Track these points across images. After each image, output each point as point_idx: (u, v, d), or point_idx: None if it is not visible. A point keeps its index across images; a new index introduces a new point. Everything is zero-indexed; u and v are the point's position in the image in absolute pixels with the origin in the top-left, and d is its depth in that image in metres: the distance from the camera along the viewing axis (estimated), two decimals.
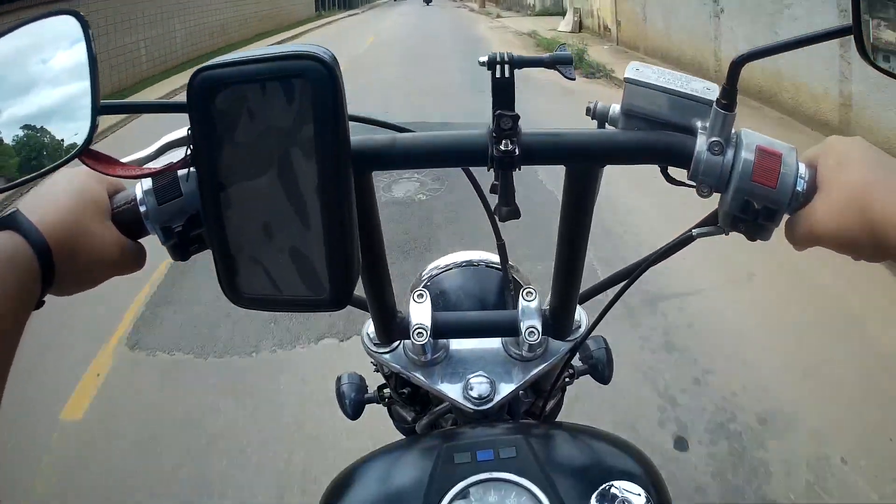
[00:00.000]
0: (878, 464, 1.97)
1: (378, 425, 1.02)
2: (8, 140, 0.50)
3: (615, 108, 0.57)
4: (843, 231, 0.48)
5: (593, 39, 11.38)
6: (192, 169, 0.48)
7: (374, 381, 0.96)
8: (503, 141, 0.52)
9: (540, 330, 0.70)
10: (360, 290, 0.59)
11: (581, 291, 0.71)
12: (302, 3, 25.83)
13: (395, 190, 4.29)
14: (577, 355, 0.79)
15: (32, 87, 0.52)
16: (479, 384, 0.71)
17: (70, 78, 0.51)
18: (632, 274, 0.65)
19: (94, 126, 0.48)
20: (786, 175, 0.51)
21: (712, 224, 0.57)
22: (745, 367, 2.43)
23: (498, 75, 0.52)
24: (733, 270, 3.05)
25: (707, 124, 0.53)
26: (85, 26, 0.50)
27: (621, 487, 0.56)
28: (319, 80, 0.43)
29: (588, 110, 0.58)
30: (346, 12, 30.60)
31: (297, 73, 0.43)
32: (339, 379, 0.96)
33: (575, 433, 0.68)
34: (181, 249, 0.55)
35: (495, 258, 0.86)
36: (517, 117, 0.52)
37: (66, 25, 0.52)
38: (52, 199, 0.50)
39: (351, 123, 0.47)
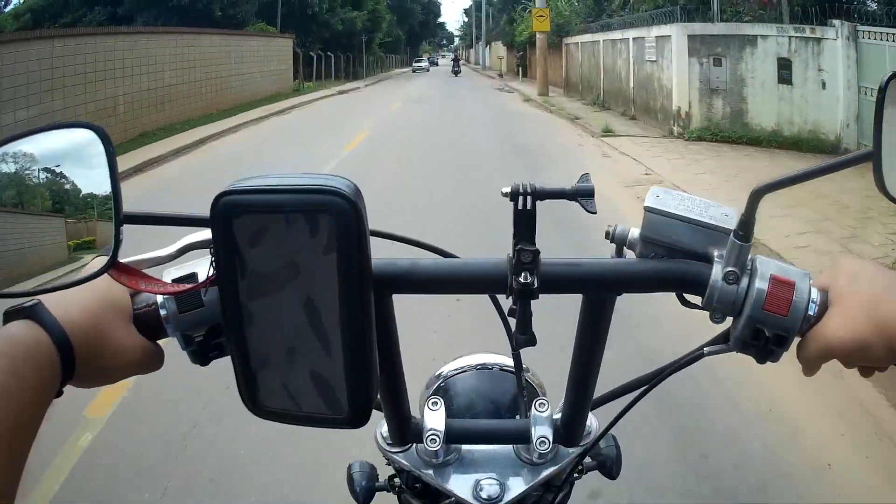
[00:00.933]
0: None
1: None
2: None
3: (634, 233, 0.59)
4: (856, 336, 0.50)
5: None
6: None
7: (384, 468, 0.94)
8: (523, 273, 0.53)
9: (551, 440, 0.71)
10: None
11: (594, 398, 0.72)
12: (277, 72, 20.09)
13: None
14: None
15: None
16: (489, 485, 0.73)
17: (90, 188, 0.51)
18: (647, 383, 0.66)
19: (118, 240, 0.48)
20: (798, 302, 0.53)
21: (723, 343, 0.59)
22: None
23: (520, 206, 0.53)
24: None
25: (723, 252, 0.54)
26: (105, 140, 0.50)
27: None
28: (343, 215, 0.43)
29: (607, 234, 0.60)
30: (342, 85, 24.79)
31: (321, 207, 0.43)
32: (350, 466, 0.97)
33: None
34: (201, 356, 0.55)
35: (509, 361, 0.87)
36: (538, 252, 0.54)
37: (84, 137, 0.52)
38: (76, 296, 0.50)
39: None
